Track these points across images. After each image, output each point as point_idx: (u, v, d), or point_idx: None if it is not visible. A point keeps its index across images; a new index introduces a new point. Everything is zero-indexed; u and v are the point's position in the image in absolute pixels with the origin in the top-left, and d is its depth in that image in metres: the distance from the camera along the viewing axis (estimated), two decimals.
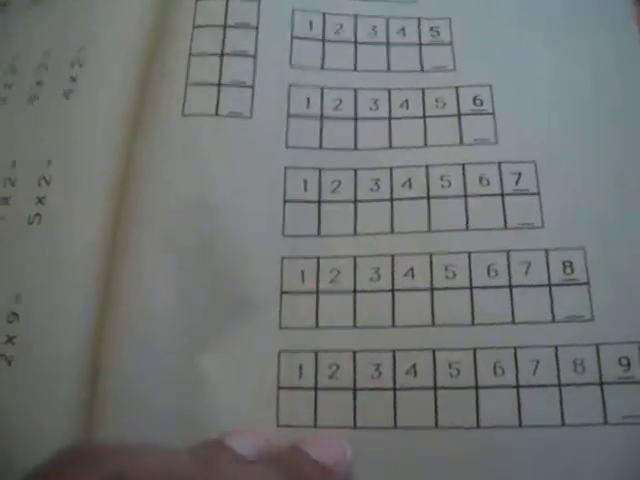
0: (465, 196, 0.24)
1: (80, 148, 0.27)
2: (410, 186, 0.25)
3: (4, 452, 0.23)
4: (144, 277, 0.24)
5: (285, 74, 0.26)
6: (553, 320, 0.23)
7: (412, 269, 0.24)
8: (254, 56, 0.26)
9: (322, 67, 0.26)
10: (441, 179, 0.25)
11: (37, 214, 0.26)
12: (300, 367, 0.23)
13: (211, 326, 0.23)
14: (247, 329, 0.23)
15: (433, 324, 0.23)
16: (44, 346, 0.24)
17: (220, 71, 0.26)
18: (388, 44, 0.27)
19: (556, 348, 0.22)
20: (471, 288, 0.23)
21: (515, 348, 0.23)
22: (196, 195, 0.24)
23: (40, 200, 0.27)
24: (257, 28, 0.27)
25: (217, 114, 0.25)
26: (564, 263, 0.23)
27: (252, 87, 0.26)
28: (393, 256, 0.24)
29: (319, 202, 0.25)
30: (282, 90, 0.26)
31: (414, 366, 0.23)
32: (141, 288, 0.24)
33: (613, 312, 0.23)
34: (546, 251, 0.24)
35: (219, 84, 0.26)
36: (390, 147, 0.25)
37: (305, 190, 0.25)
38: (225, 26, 0.27)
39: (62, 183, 0.27)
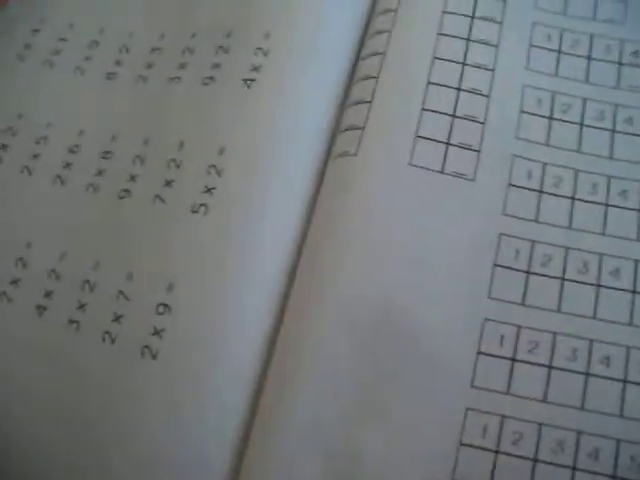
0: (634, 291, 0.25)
1: (258, 141, 0.27)
2: (618, 277, 0.25)
3: (148, 446, 0.23)
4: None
5: (511, 144, 0.28)
6: None
7: (608, 358, 0.24)
8: (483, 122, 0.28)
9: (547, 143, 0.28)
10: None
11: (203, 204, 0.26)
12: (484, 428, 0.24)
13: None
14: None
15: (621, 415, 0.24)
16: (194, 342, 0.24)
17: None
18: (614, 131, 0.28)
19: None
20: None
21: None
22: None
23: (209, 190, 0.26)
24: (489, 96, 0.28)
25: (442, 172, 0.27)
26: None
27: (478, 151, 0.27)
28: (592, 341, 0.25)
29: (528, 273, 0.26)
30: (506, 159, 0.27)
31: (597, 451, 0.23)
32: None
33: None
34: None
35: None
36: (604, 234, 0.26)
37: (516, 259, 0.26)
38: (459, 89, 0.28)
39: (237, 176, 0.26)
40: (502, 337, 0.25)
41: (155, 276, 0.25)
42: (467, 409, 0.24)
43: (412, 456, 0.23)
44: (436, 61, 0.29)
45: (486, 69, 0.29)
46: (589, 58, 0.29)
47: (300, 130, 0.28)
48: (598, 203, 0.26)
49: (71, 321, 0.25)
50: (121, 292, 0.25)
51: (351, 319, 0.25)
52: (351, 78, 0.30)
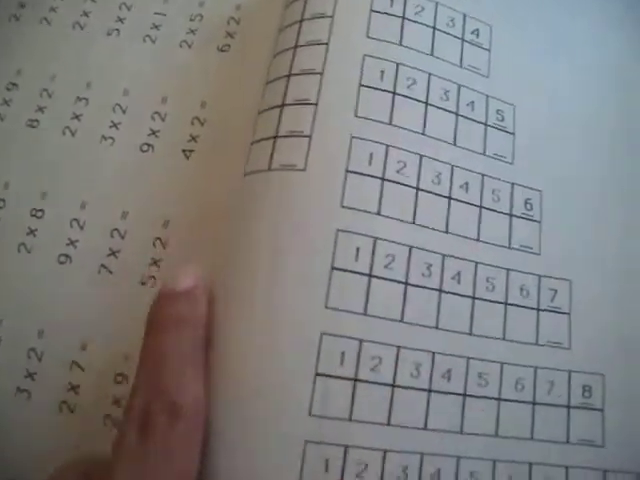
0: (506, 304, 0.24)
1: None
2: (459, 282, 0.23)
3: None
4: None
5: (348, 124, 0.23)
6: (567, 441, 0.23)
7: (449, 370, 0.22)
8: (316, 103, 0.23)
9: (390, 122, 0.24)
10: (486, 280, 0.24)
11: (151, 276, 0.27)
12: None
13: None
14: None
15: (461, 432, 0.22)
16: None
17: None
18: (457, 115, 0.25)
19: (566, 469, 0.23)
20: (499, 400, 0.23)
21: (530, 464, 0.23)
22: None
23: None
24: (322, 73, 0.24)
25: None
26: (584, 387, 0.24)
27: (309, 137, 0.23)
28: (434, 353, 0.22)
29: (370, 276, 0.22)
30: (343, 142, 0.23)
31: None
32: None
33: (624, 440, 0.24)
34: (569, 372, 0.24)
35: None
36: (446, 232, 0.23)
37: (356, 260, 0.22)
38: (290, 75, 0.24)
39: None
40: (342, 354, 0.21)
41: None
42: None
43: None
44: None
45: (319, 44, 0.24)
46: (434, 29, 0.26)
47: None
48: (442, 196, 0.24)
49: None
50: None
51: None
52: None
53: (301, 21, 0.25)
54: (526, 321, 0.24)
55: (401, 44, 0.25)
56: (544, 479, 0.23)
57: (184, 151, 0.28)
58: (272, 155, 0.23)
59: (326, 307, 0.21)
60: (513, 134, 0.26)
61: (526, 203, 0.25)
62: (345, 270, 0.22)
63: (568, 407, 0.24)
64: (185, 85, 0.30)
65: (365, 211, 0.22)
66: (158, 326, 0.21)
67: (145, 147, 0.29)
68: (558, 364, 0.24)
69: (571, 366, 0.24)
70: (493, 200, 0.24)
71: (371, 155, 0.23)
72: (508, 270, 0.24)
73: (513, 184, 0.25)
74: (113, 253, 0.27)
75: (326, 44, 0.24)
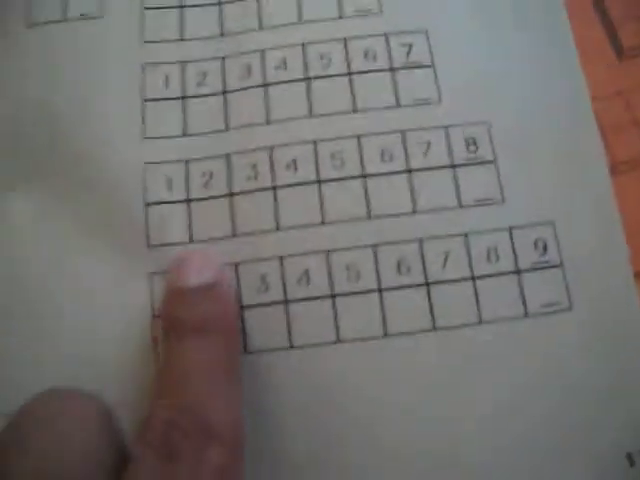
0: (349, 74, 0.21)
1: None
2: (285, 68, 0.21)
3: None
4: None
5: None
6: (460, 206, 0.20)
7: (295, 161, 0.20)
8: None
9: None
10: (321, 58, 0.21)
11: None
12: None
13: None
14: None
15: (323, 222, 0.20)
16: None
17: None
18: None
19: (466, 236, 0.20)
20: (364, 177, 0.20)
21: (420, 240, 0.20)
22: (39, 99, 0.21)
23: None
24: None
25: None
26: (467, 140, 0.20)
27: None
28: (272, 147, 0.20)
29: (183, 98, 0.21)
30: None
31: (306, 273, 0.19)
32: None
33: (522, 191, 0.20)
34: (446, 128, 0.21)
35: None
36: (261, 28, 0.22)
37: (167, 87, 0.21)
38: None
39: None
40: (170, 180, 0.20)
41: None
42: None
43: None
44: None
45: None
46: None
47: None
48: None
49: None
50: None
51: None
52: None
53: None
54: (379, 86, 0.21)
55: None
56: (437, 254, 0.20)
57: None
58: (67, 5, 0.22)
59: (144, 138, 0.21)
60: None
61: None
62: (156, 100, 0.21)
63: (453, 167, 0.20)
64: None
65: (168, 40, 0.22)
66: (180, 330, 0.17)
67: None
68: (430, 122, 0.21)
69: (446, 121, 0.21)
70: None
71: None
72: (345, 39, 0.22)
73: None
74: None
75: None
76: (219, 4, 0.22)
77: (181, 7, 0.22)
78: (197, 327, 0.17)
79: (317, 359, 0.19)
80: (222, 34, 0.22)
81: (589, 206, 0.20)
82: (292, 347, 0.19)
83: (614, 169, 0.21)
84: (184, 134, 0.21)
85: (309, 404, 0.19)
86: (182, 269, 0.18)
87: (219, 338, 0.17)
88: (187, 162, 0.20)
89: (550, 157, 0.20)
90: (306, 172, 0.20)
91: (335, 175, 0.20)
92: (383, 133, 0.20)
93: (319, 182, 0.20)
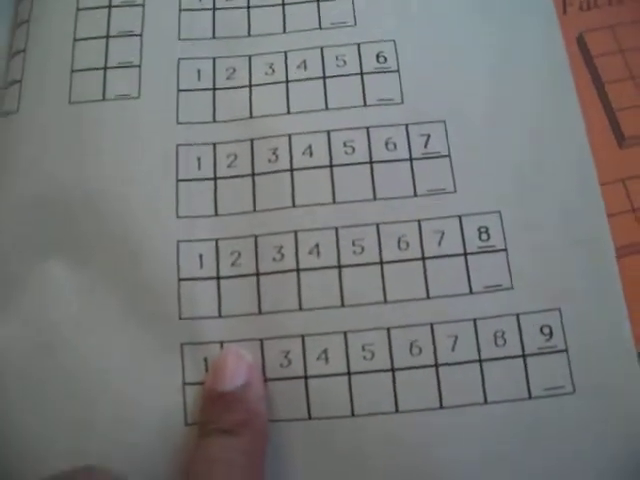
0: (371, 162, 0.22)
1: None
2: (311, 154, 0.22)
3: None
4: None
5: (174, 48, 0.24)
6: (471, 292, 0.21)
7: (317, 245, 0.22)
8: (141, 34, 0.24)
9: (213, 36, 0.24)
10: (344, 145, 0.22)
11: None
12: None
13: None
14: None
15: (342, 305, 0.21)
16: None
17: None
18: (284, 5, 0.25)
19: (474, 321, 0.21)
20: (381, 263, 0.21)
21: (431, 324, 0.21)
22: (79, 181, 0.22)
23: None
24: (143, 5, 0.25)
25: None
26: (479, 229, 0.22)
27: (139, 66, 0.24)
28: (297, 232, 0.22)
29: (215, 179, 0.22)
30: (171, 65, 0.24)
31: (325, 351, 0.21)
32: None
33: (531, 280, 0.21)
34: (459, 217, 0.22)
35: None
36: (288, 112, 0.23)
37: (199, 168, 0.22)
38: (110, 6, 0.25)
39: None
40: (200, 256, 0.22)
41: None
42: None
43: None
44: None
45: None
46: None
47: None
48: (278, 82, 0.23)
49: None
50: None
51: None
52: None
53: None
54: (399, 174, 0.22)
55: None
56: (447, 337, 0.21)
57: None
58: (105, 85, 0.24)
59: (178, 217, 0.22)
60: None
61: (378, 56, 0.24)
62: (189, 180, 0.22)
63: (465, 255, 0.21)
64: None
65: (200, 122, 0.23)
66: (207, 430, 0.19)
67: None
68: (444, 211, 0.22)
69: (460, 210, 0.22)
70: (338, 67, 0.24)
71: (199, 71, 0.24)
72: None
73: None
74: None
75: None
76: (250, 87, 0.23)
77: (214, 89, 0.23)
78: (227, 429, 0.19)
79: (333, 431, 0.20)
80: (251, 116, 0.23)
81: (595, 292, 0.21)
82: (310, 418, 0.20)
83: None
84: (215, 214, 0.22)
85: (325, 474, 0.20)
86: (217, 374, 0.20)
87: (246, 440, 0.19)
88: (217, 241, 0.22)
89: (558, 245, 0.22)
90: (328, 257, 0.21)
91: (355, 261, 0.21)
92: (400, 222, 0.22)
93: (339, 267, 0.21)
